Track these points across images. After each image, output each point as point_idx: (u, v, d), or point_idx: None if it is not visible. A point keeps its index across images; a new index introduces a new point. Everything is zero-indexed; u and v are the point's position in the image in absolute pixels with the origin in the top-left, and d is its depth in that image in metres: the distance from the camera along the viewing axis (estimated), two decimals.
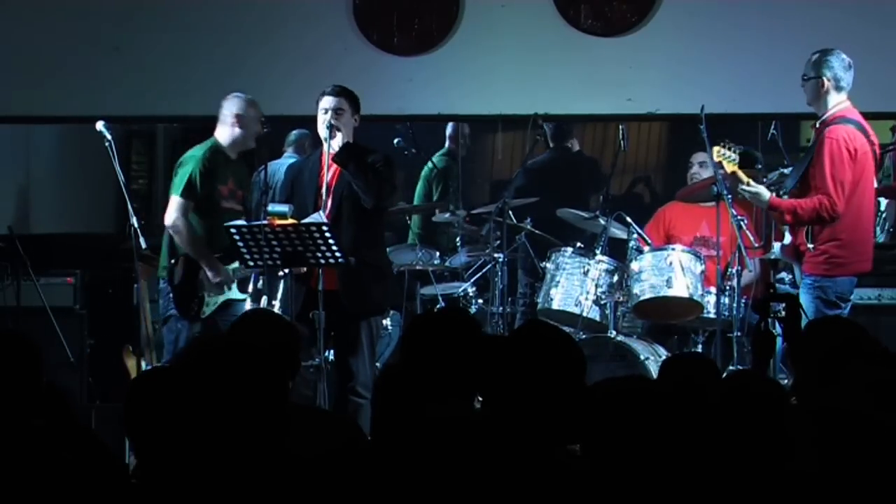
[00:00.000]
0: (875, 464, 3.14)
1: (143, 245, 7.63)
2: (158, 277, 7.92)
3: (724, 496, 3.52)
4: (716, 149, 7.61)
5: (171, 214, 7.73)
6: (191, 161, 7.74)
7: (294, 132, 10.51)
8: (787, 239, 7.59)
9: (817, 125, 7.45)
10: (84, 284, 8.98)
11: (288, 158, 10.41)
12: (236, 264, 7.74)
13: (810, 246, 7.39)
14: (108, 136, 7.58)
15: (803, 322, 7.23)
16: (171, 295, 7.74)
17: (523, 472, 3.45)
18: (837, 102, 7.38)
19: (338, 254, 7.12)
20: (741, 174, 7.54)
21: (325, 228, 7.07)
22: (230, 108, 7.86)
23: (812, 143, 7.51)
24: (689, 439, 3.56)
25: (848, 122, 7.35)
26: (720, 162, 7.63)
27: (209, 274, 7.70)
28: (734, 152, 7.61)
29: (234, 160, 7.92)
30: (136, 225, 7.51)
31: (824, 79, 7.38)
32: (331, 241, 7.08)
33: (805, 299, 7.35)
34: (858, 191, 7.37)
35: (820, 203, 7.27)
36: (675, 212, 8.95)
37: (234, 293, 7.88)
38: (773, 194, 7.48)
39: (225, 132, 7.87)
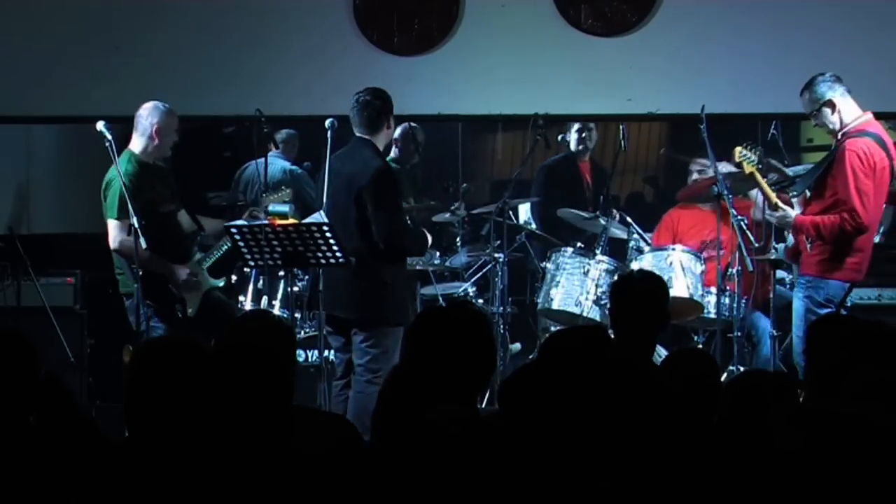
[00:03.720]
0: (872, 466, 3.14)
1: (144, 245, 7.60)
2: (122, 295, 7.91)
3: (727, 489, 3.53)
4: (737, 149, 7.63)
5: (114, 237, 7.69)
6: (116, 181, 7.63)
7: (282, 132, 10.52)
8: (790, 241, 7.63)
9: (839, 136, 7.47)
10: (84, 284, 8.97)
11: (274, 157, 10.42)
12: (198, 255, 7.86)
13: (808, 246, 7.43)
14: (109, 137, 7.55)
15: (795, 322, 7.39)
16: (141, 308, 7.68)
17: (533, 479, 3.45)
18: (857, 115, 7.44)
19: (338, 254, 7.12)
20: (767, 190, 7.55)
21: (325, 228, 7.06)
22: (151, 119, 7.81)
23: (831, 151, 7.51)
24: (696, 433, 3.56)
25: (868, 135, 7.42)
26: (740, 163, 7.66)
27: (174, 278, 7.74)
28: (754, 153, 7.63)
29: (153, 165, 7.88)
30: (136, 225, 7.48)
31: (832, 99, 7.42)
32: (331, 241, 7.07)
33: (796, 299, 7.43)
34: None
35: (841, 219, 7.31)
36: (681, 216, 8.97)
37: (211, 281, 7.95)
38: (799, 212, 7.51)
39: (141, 142, 7.84)
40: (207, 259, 7.91)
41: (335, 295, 7.33)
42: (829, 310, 7.35)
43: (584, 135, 10.20)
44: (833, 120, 7.45)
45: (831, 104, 7.42)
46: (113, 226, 7.69)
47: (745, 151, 7.64)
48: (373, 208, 7.26)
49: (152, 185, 7.82)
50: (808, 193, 7.52)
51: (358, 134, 7.45)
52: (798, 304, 7.44)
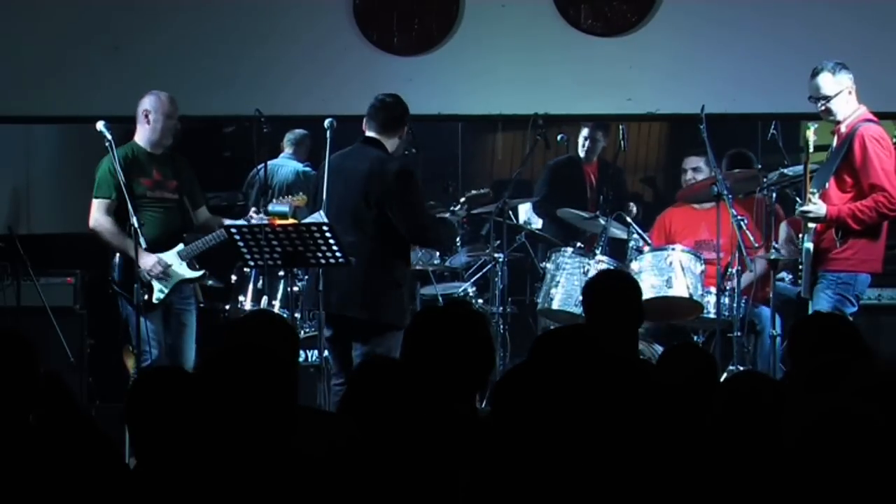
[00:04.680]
0: (867, 462, 3.14)
1: (143, 245, 7.65)
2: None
3: (721, 488, 3.53)
4: (810, 132, 7.53)
5: (91, 216, 7.86)
6: (103, 163, 7.82)
7: (295, 132, 10.51)
8: (807, 243, 7.53)
9: (842, 129, 7.45)
10: (84, 284, 8.97)
11: (286, 158, 10.42)
12: (181, 247, 7.89)
13: (838, 242, 7.39)
14: (109, 136, 7.59)
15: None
16: (119, 290, 7.86)
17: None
18: (856, 107, 7.46)
19: (338, 254, 7.11)
20: (808, 179, 7.47)
21: (325, 228, 7.06)
22: (142, 105, 7.93)
23: (841, 144, 7.47)
24: (691, 431, 3.56)
25: (875, 122, 7.44)
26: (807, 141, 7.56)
27: (139, 263, 7.73)
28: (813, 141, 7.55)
29: (161, 154, 7.96)
30: (136, 224, 7.52)
31: (852, 84, 7.41)
32: (331, 241, 7.07)
33: (823, 296, 7.37)
34: None
35: (876, 202, 7.31)
36: (675, 217, 8.97)
37: (186, 272, 7.96)
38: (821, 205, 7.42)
39: (138, 130, 7.96)
40: (187, 250, 7.94)
41: (343, 295, 7.31)
42: (854, 309, 7.36)
43: (587, 142, 10.26)
44: (846, 108, 7.44)
45: (850, 91, 7.44)
46: (93, 205, 7.86)
47: (814, 136, 7.54)
48: (399, 205, 7.27)
49: (149, 170, 7.90)
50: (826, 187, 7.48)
51: (369, 133, 7.46)
52: (825, 302, 7.38)
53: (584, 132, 10.27)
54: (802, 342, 4.94)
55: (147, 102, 7.90)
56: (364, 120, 7.47)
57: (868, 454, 3.07)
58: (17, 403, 4.01)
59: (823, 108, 7.48)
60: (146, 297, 7.76)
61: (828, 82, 7.44)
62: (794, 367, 4.74)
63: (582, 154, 10.33)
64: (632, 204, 10.08)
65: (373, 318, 7.27)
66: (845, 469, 3.07)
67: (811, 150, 7.49)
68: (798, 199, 7.54)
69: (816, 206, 7.39)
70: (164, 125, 7.90)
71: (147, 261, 7.75)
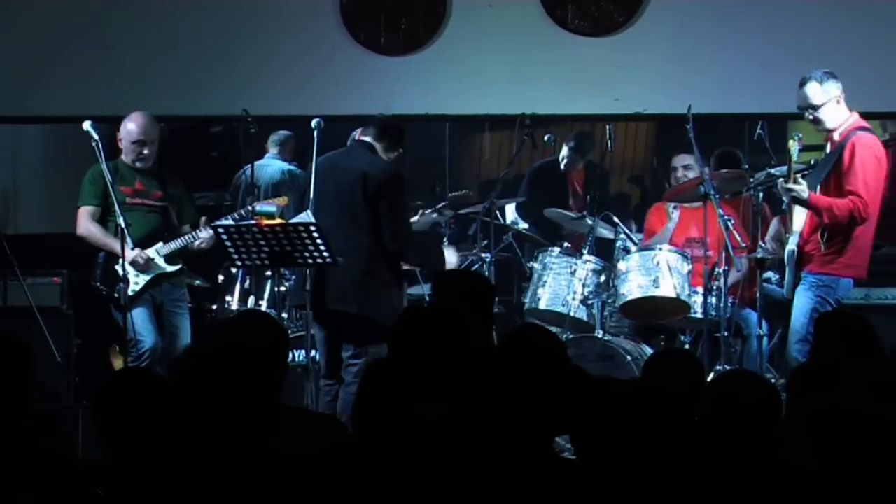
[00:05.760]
0: (873, 459, 3.15)
1: (131, 245, 7.67)
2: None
3: (715, 494, 3.54)
4: (792, 142, 7.54)
5: (78, 223, 8.10)
6: (88, 172, 8.07)
7: (279, 133, 10.51)
8: (793, 243, 7.53)
9: (835, 136, 7.45)
10: (71, 284, 8.96)
11: (271, 159, 10.42)
12: (160, 244, 8.04)
13: (822, 246, 7.40)
14: (95, 136, 7.61)
15: (797, 318, 7.35)
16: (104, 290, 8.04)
17: (513, 469, 3.45)
18: (848, 114, 7.45)
19: (325, 253, 7.11)
20: (793, 169, 7.48)
21: (312, 228, 7.06)
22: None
23: (833, 151, 7.47)
24: (679, 438, 3.57)
25: (868, 131, 7.45)
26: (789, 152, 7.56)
27: (128, 256, 7.83)
28: (797, 150, 7.55)
29: (147, 168, 8.15)
30: (123, 224, 7.54)
31: (840, 93, 7.41)
32: (318, 241, 7.07)
33: (804, 296, 7.37)
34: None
35: (854, 204, 7.31)
36: (663, 215, 8.97)
37: (164, 267, 8.09)
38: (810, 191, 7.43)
39: None
40: (165, 247, 8.05)
41: (339, 289, 7.30)
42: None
43: (565, 159, 10.43)
44: (836, 116, 7.44)
45: (838, 100, 7.44)
46: (78, 213, 8.10)
47: (797, 145, 7.52)
48: (386, 210, 7.29)
49: (132, 181, 8.08)
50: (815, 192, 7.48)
51: (364, 138, 7.50)
52: (804, 302, 7.38)
53: (566, 149, 10.43)
54: (827, 338, 4.94)
55: (121, 127, 8.11)
56: (361, 128, 7.54)
57: (874, 451, 3.08)
58: (12, 407, 3.99)
59: (812, 117, 7.48)
60: (123, 289, 7.84)
61: (816, 92, 7.43)
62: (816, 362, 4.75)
63: (562, 166, 10.46)
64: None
65: (362, 312, 7.27)
66: (852, 466, 3.08)
67: (795, 159, 7.49)
68: (784, 180, 7.53)
69: (801, 186, 7.39)
70: (130, 150, 8.09)
71: (129, 254, 7.83)
